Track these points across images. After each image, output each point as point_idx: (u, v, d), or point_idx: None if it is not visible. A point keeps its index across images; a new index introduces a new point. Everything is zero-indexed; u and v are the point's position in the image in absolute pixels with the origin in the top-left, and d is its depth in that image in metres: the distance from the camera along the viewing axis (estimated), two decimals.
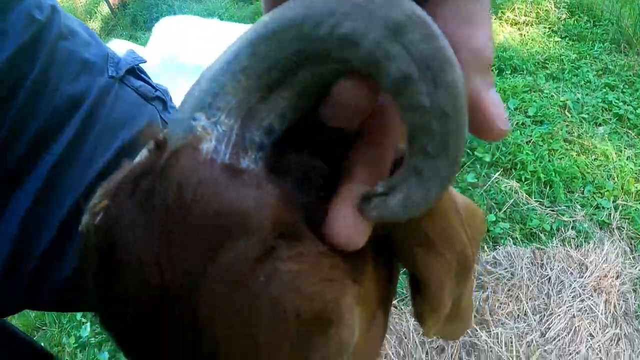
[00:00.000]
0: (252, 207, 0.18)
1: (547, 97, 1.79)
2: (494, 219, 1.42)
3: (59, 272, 0.50)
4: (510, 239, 1.37)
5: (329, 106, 0.20)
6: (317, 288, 0.20)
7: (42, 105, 0.47)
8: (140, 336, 0.19)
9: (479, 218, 0.36)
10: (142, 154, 0.20)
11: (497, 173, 1.54)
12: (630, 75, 1.89)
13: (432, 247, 0.26)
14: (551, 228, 1.40)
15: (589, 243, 1.36)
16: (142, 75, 0.60)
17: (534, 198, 1.49)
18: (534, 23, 2.14)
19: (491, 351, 1.07)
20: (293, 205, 0.20)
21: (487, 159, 1.57)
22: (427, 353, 1.11)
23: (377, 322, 0.28)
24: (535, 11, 2.17)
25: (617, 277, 1.32)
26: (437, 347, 1.13)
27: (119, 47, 1.79)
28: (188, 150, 0.19)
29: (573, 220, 1.43)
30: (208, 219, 0.18)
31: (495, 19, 2.18)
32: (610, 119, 1.73)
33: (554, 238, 1.38)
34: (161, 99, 0.62)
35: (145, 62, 0.62)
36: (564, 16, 2.14)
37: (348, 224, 0.20)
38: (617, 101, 1.77)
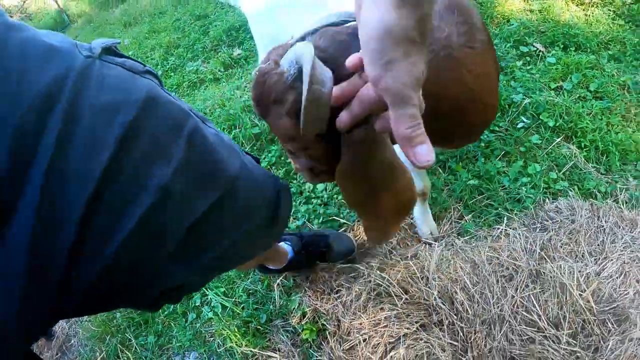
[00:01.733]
0: (290, 97, 0.51)
1: (608, 75, 1.91)
2: (554, 176, 1.58)
3: (89, 267, 0.45)
4: (570, 196, 1.52)
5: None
6: (291, 132, 0.54)
7: (12, 106, 0.38)
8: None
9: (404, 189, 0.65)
10: (269, 61, 0.53)
11: (560, 138, 1.68)
12: None
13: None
14: (606, 191, 1.55)
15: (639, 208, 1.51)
16: (122, 54, 0.52)
17: (591, 164, 1.63)
18: (599, 5, 2.24)
19: (554, 280, 1.24)
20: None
21: (551, 123, 1.71)
22: (497, 280, 1.29)
23: (326, 172, 0.62)
24: None
25: None
26: (507, 275, 1.30)
27: None
28: (280, 75, 0.51)
29: (626, 188, 1.57)
30: (278, 95, 0.52)
31: None
32: None
33: (609, 199, 1.53)
34: (153, 74, 0.54)
35: (119, 42, 0.52)
36: (629, 1, 2.23)
37: None
38: None
